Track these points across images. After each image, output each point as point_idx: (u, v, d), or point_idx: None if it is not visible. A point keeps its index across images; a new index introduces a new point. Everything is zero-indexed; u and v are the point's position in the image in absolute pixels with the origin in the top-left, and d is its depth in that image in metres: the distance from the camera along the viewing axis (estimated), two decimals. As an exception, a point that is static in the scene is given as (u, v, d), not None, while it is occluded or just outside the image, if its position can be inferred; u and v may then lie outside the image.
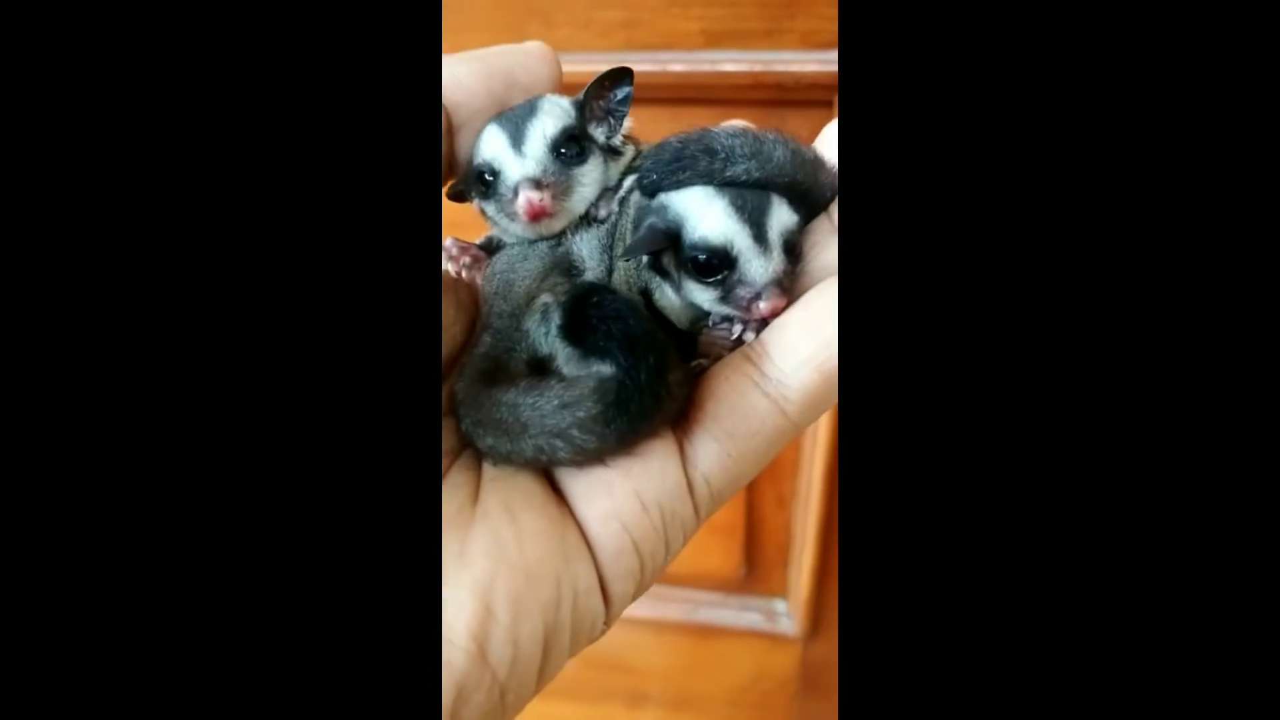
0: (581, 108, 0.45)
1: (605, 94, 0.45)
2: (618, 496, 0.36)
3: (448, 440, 0.39)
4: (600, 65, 0.78)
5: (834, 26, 0.75)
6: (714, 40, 0.77)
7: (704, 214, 0.40)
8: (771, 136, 0.42)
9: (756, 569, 1.09)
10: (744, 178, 0.41)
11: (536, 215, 0.42)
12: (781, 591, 1.10)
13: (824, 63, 0.75)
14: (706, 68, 0.77)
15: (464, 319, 0.45)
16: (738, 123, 0.44)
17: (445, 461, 0.39)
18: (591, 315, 0.39)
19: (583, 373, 0.39)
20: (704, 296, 0.41)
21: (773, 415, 0.37)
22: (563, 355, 0.41)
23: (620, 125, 0.45)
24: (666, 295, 0.44)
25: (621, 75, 0.44)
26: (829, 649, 1.11)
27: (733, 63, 0.76)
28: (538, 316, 0.42)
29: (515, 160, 0.42)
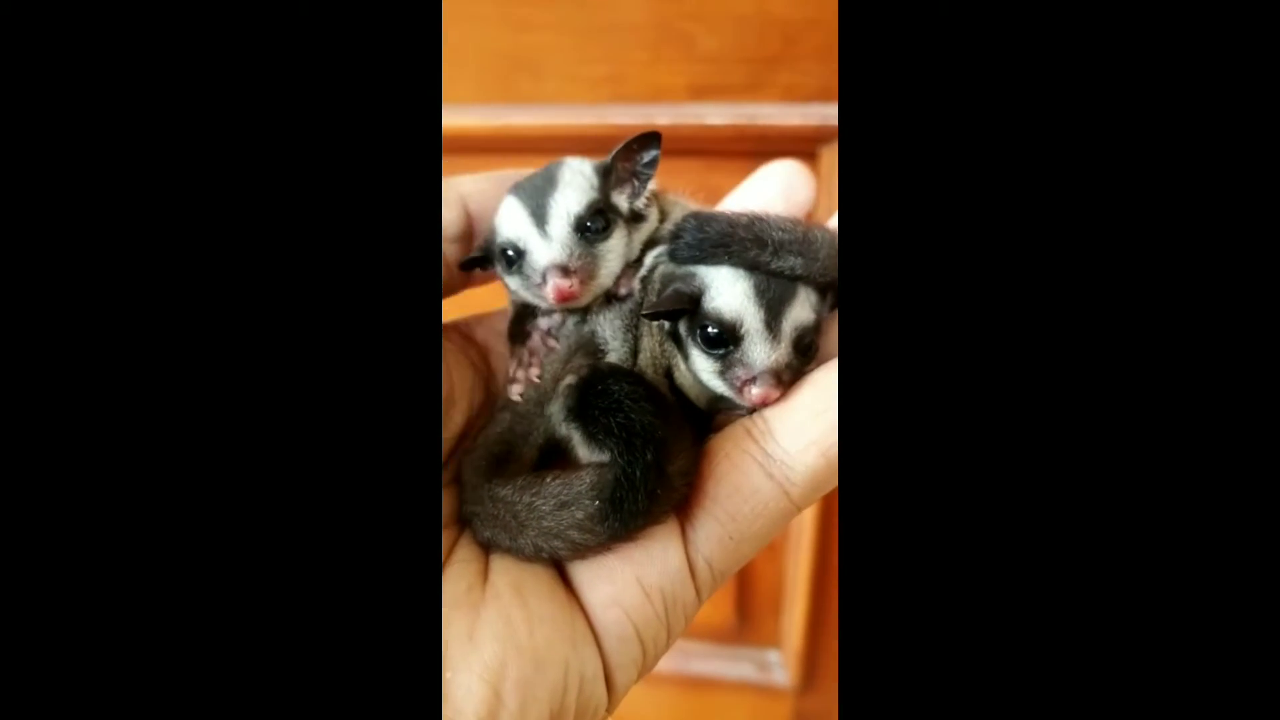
0: (606, 173, 0.44)
1: (633, 157, 0.45)
2: (619, 583, 0.36)
3: (446, 509, 0.39)
4: (587, 118, 0.80)
5: (814, 81, 0.76)
6: (698, 94, 0.79)
7: (725, 289, 0.41)
8: (820, 234, 0.42)
9: (749, 619, 1.08)
10: (788, 273, 0.41)
11: (565, 299, 0.41)
12: (774, 642, 1.08)
13: (806, 115, 0.77)
14: (691, 120, 0.79)
15: (480, 382, 0.45)
16: (782, 178, 0.45)
17: (453, 533, 0.39)
18: (595, 406, 0.39)
19: (592, 458, 0.39)
20: (704, 366, 0.41)
21: (776, 498, 0.37)
22: (576, 438, 0.41)
23: (645, 188, 0.45)
24: (683, 372, 0.44)
25: (650, 139, 0.44)
26: (823, 700, 1.09)
27: (717, 115, 0.78)
28: (561, 399, 0.42)
29: (541, 242, 0.41)
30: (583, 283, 0.41)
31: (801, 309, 0.41)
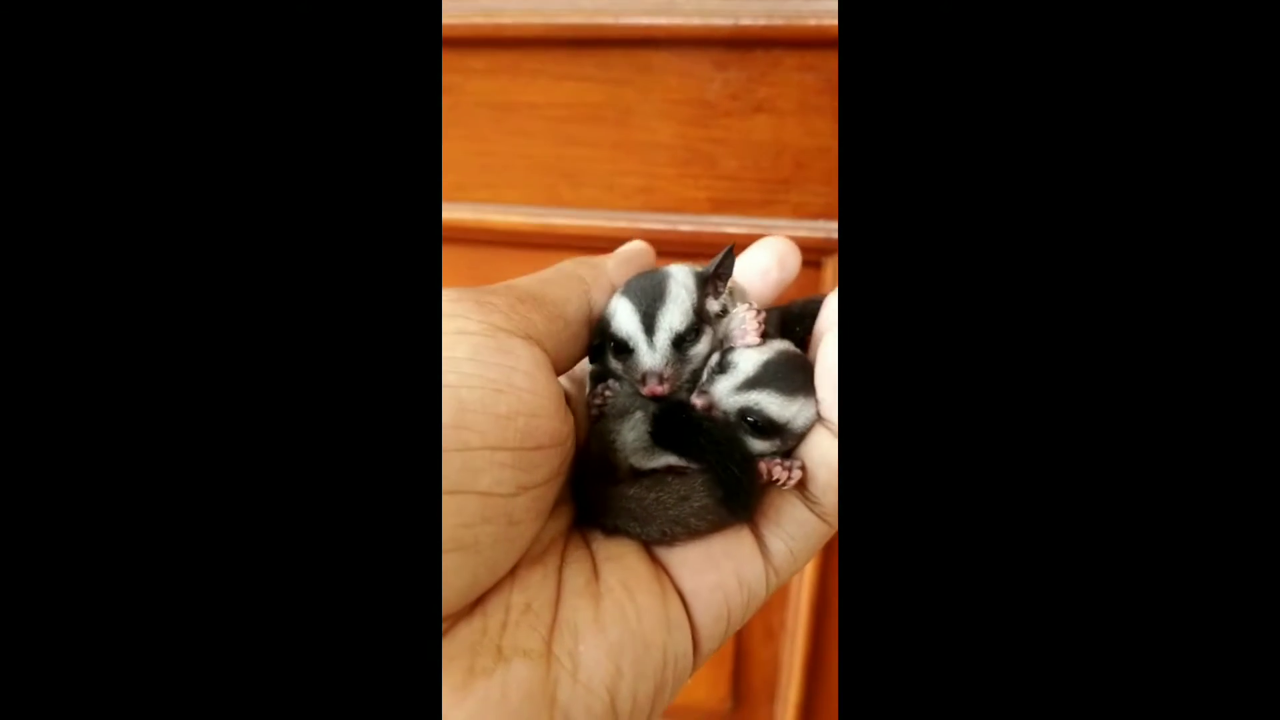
0: (705, 281, 0.52)
1: (725, 266, 0.53)
2: (723, 573, 0.46)
3: (560, 524, 0.48)
4: (620, 223, 0.89)
5: (821, 200, 0.85)
6: (718, 207, 0.87)
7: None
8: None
9: (744, 702, 1.10)
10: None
11: (655, 395, 0.50)
12: (768, 728, 1.11)
13: (813, 230, 0.85)
14: (711, 229, 0.86)
15: (573, 420, 0.53)
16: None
17: (560, 542, 0.46)
18: (683, 423, 0.48)
19: (655, 465, 0.48)
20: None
21: (817, 523, 0.49)
22: (669, 459, 0.49)
23: (725, 288, 0.53)
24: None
25: (732, 252, 0.53)
26: (814, 790, 1.10)
27: (734, 226, 0.85)
28: (631, 422, 0.50)
29: (646, 349, 0.50)
30: (671, 385, 0.50)
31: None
